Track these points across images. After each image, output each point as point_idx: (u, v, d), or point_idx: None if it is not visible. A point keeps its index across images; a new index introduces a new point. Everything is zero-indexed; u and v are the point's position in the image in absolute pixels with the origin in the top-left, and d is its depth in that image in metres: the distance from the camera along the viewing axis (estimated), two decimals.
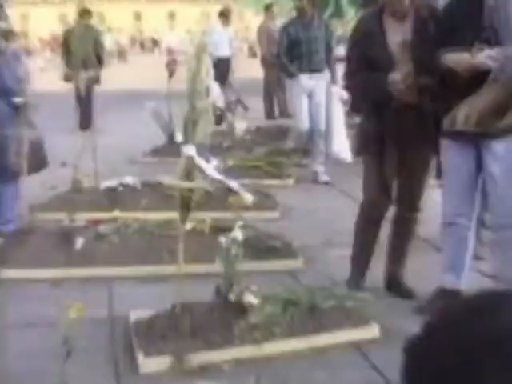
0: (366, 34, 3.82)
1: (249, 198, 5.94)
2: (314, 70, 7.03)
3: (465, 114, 2.26)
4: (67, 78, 11.19)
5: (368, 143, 3.95)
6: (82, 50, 11.09)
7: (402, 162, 3.88)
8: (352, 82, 4.10)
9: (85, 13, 11.36)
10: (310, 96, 7.06)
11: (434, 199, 4.85)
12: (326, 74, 7.06)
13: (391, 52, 3.73)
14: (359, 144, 4.19)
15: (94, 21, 12.17)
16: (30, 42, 42.51)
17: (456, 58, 3.37)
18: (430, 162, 4.09)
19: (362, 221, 4.07)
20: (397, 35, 3.70)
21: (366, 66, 3.80)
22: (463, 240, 3.73)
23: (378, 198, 3.92)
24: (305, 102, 7.08)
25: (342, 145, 6.73)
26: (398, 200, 4.04)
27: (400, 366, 0.97)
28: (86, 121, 10.43)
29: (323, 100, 6.95)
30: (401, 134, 3.74)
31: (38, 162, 5.10)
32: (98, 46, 11.26)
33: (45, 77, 14.29)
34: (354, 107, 4.65)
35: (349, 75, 4.09)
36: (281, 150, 8.14)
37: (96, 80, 10.90)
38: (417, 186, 3.99)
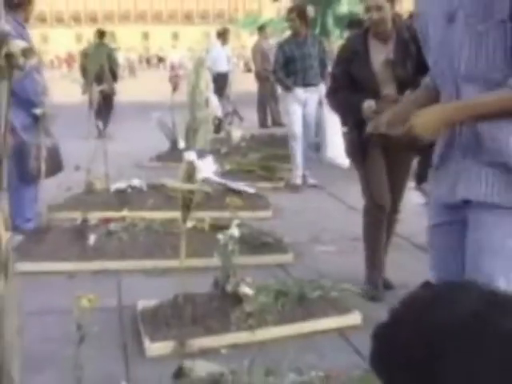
0: (352, 53, 3.75)
1: (248, 190, 5.97)
2: (308, 84, 6.96)
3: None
4: (84, 92, 11.26)
5: (356, 152, 3.88)
6: (96, 66, 11.17)
7: (385, 167, 3.84)
8: (334, 100, 4.00)
9: (100, 33, 11.53)
10: (304, 106, 7.00)
11: (412, 201, 4.87)
12: (321, 88, 6.90)
13: (374, 71, 3.67)
14: (348, 153, 4.13)
15: (107, 40, 12.20)
16: (46, 59, 42.49)
17: None
18: (411, 166, 4.02)
19: (369, 224, 3.93)
20: (380, 55, 3.64)
21: (349, 83, 3.73)
22: None
23: (378, 200, 3.81)
24: (299, 110, 7.04)
25: (337, 151, 6.65)
26: None
27: (370, 351, 0.97)
28: (104, 124, 10.62)
29: (314, 110, 6.84)
30: (382, 142, 3.64)
31: (55, 166, 5.09)
32: (112, 62, 11.38)
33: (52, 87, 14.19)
34: (340, 121, 4.58)
35: (331, 93, 3.99)
36: (273, 155, 8.15)
37: (112, 92, 11.01)
38: (398, 188, 3.93)
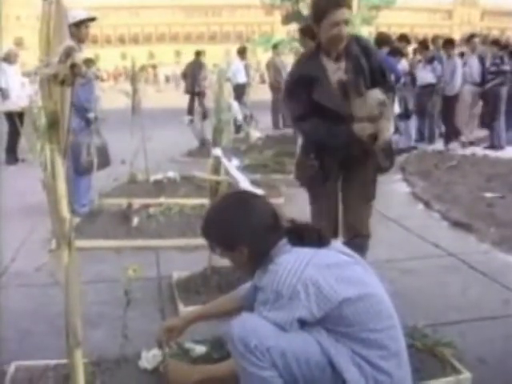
0: (311, 78, 2.78)
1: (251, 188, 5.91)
2: None
3: None
4: (187, 91, 13.27)
5: (310, 178, 2.92)
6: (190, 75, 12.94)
7: (346, 188, 2.98)
8: (308, 127, 2.86)
9: (197, 52, 13.23)
10: None
11: (398, 190, 4.79)
12: None
13: (335, 93, 2.76)
14: (300, 178, 3.03)
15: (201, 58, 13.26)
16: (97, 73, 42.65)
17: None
18: (376, 184, 2.99)
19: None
20: (334, 75, 2.77)
21: (314, 109, 2.76)
22: None
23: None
24: None
25: None
26: (345, 226, 2.97)
27: None
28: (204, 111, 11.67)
29: None
30: (344, 162, 2.92)
31: (104, 161, 5.11)
32: (203, 72, 13.01)
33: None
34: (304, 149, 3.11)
35: (299, 120, 2.87)
36: (284, 151, 8.11)
37: (204, 92, 12.65)
38: (363, 210, 2.98)
